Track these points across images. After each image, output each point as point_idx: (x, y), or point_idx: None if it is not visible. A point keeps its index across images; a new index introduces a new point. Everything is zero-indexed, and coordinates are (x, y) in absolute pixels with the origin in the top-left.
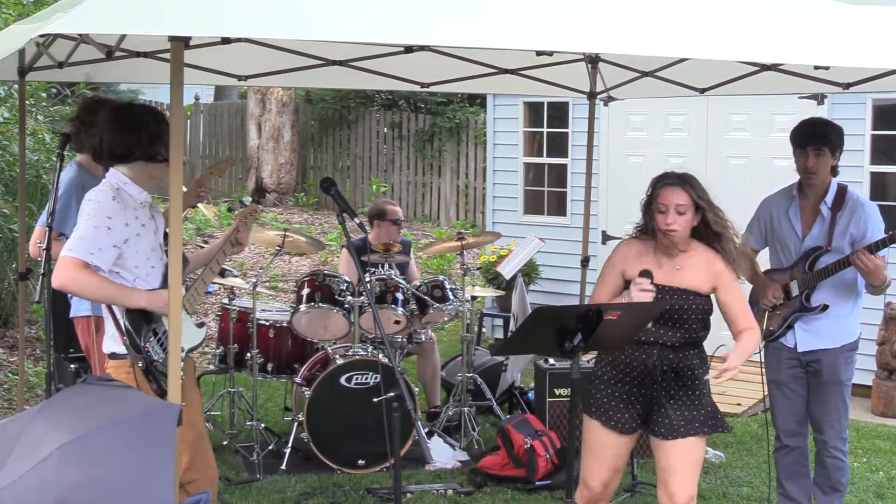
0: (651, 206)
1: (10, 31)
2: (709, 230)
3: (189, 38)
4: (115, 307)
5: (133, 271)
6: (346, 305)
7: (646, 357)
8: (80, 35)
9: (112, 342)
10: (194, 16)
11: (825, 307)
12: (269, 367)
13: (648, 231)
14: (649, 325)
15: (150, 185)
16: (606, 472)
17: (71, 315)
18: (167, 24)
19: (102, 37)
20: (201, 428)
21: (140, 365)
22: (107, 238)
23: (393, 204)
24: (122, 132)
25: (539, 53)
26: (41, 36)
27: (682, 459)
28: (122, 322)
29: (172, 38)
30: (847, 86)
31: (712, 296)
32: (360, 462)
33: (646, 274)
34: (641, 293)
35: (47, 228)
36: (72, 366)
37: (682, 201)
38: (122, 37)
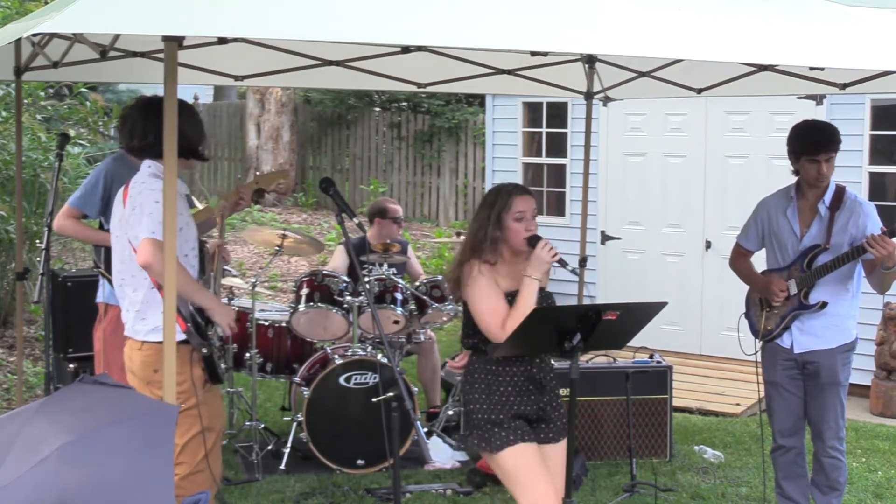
0: (504, 216)
1: (4, 30)
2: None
3: (183, 38)
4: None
5: (182, 259)
6: (345, 305)
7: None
8: (73, 35)
9: (154, 328)
10: (188, 15)
11: (824, 304)
12: (269, 366)
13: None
14: None
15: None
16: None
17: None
18: (160, 23)
19: (96, 36)
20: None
21: (205, 352)
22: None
23: (393, 202)
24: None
25: (534, 54)
26: (35, 35)
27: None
28: (188, 309)
29: (166, 38)
30: (844, 86)
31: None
32: (360, 462)
33: (535, 238)
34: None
35: (46, 229)
36: (71, 366)
37: (533, 206)
38: (116, 36)
